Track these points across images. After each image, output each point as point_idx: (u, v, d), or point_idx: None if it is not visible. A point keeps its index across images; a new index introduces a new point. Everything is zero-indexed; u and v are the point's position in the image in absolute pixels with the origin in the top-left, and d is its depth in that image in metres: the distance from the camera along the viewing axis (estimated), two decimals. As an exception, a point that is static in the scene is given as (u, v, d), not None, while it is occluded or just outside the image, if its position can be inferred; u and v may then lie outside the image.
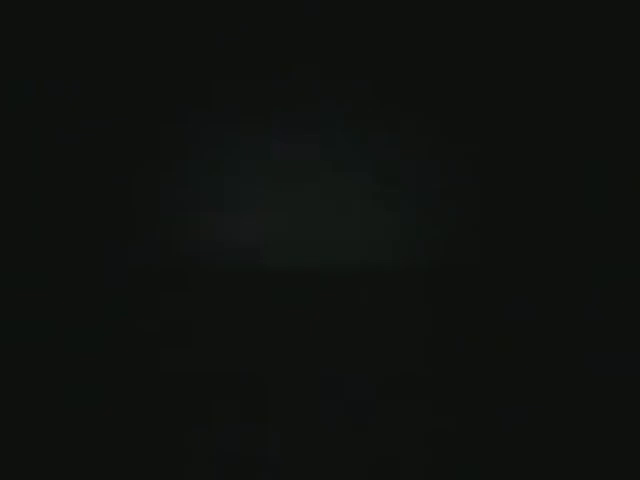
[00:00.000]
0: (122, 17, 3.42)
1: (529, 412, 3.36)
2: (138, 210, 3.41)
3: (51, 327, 3.45)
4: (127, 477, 3.37)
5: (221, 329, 3.42)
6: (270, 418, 3.36)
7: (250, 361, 3.40)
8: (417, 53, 3.40)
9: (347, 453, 3.33)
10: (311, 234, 3.38)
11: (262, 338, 3.40)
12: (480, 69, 3.44)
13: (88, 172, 3.45)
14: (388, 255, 3.38)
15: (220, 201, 3.41)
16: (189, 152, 3.39)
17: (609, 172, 3.44)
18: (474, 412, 3.36)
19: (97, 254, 3.46)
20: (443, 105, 3.41)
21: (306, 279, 3.39)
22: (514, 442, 3.34)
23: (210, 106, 3.37)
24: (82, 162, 3.45)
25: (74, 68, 3.43)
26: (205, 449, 3.36)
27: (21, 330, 3.45)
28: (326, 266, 3.37)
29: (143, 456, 3.38)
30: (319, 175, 3.39)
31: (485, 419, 3.36)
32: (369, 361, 3.39)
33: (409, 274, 3.40)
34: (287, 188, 3.39)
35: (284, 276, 3.39)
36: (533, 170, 3.42)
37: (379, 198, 3.38)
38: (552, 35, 3.42)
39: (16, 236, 3.46)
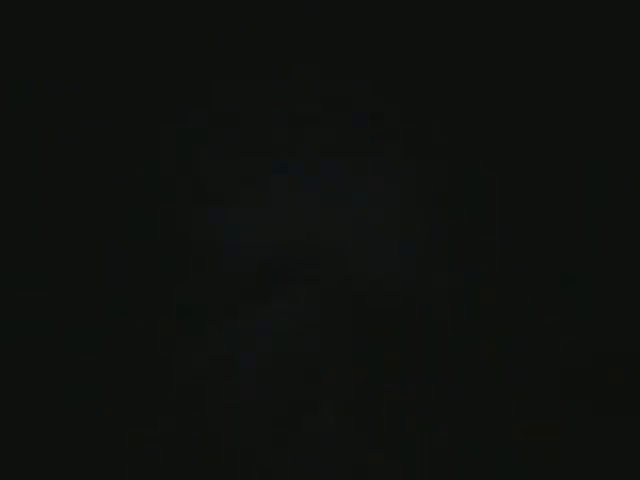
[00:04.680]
0: (122, 17, 3.42)
1: None
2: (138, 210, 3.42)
3: (51, 327, 3.45)
4: (127, 477, 3.37)
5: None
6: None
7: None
8: (417, 53, 3.40)
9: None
10: (307, 231, 3.39)
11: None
12: (480, 69, 3.44)
13: (88, 172, 3.45)
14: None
15: (221, 199, 3.42)
16: (189, 152, 3.39)
17: (609, 172, 3.45)
18: None
19: (97, 254, 3.46)
20: (443, 105, 3.41)
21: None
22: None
23: (210, 106, 3.38)
24: (82, 162, 3.45)
25: (74, 68, 3.44)
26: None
27: (21, 330, 3.45)
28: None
29: (143, 456, 3.38)
30: (319, 174, 3.40)
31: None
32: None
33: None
34: (287, 188, 3.39)
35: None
36: (534, 174, 3.43)
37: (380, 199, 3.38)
38: (552, 35, 3.43)
39: (16, 236, 3.46)
